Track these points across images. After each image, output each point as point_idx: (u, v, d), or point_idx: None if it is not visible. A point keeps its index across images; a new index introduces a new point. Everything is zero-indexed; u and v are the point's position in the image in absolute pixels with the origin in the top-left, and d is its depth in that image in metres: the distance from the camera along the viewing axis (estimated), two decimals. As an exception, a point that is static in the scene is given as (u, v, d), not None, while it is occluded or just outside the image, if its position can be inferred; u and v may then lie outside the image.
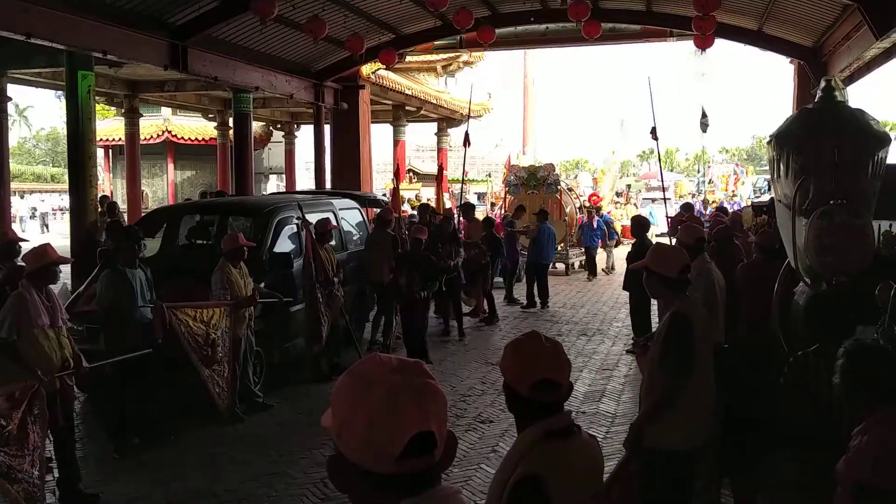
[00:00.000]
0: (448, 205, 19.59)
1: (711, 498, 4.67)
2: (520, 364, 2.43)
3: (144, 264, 7.20)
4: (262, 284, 8.10)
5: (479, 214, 17.94)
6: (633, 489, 3.80)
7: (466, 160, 16.47)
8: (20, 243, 7.51)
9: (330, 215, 10.05)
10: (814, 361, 3.81)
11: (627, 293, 10.53)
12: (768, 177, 9.50)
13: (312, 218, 9.21)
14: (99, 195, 12.47)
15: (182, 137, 24.76)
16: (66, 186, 12.68)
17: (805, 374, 3.82)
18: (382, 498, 1.36)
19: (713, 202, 27.82)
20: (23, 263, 5.80)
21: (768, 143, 5.96)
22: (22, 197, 45.32)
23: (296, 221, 9.26)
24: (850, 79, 13.53)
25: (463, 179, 18.12)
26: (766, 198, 17.07)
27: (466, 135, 16.52)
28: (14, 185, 24.32)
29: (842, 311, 4.49)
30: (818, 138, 5.27)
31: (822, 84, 5.72)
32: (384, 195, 18.81)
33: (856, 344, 3.21)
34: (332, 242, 9.59)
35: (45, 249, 5.67)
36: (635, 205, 31.23)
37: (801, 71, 15.41)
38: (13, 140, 50.44)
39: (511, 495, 2.28)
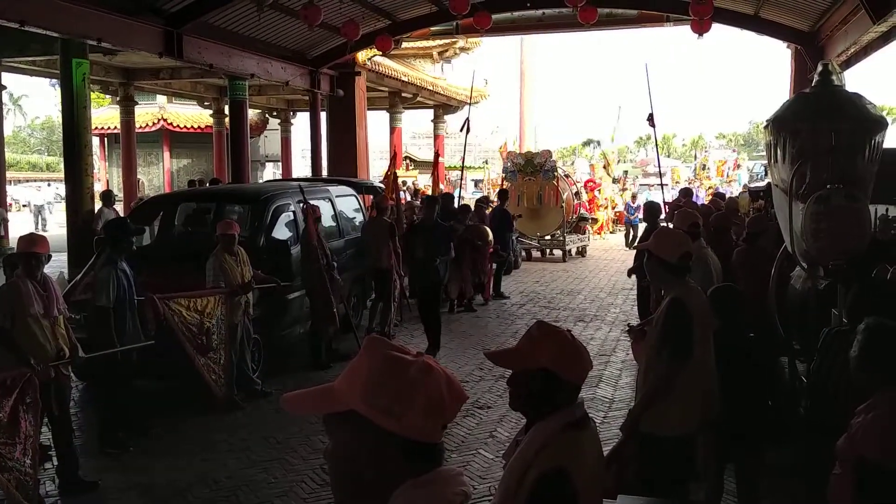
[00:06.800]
0: (444, 192, 19.58)
1: (714, 484, 4.69)
2: (576, 355, 2.41)
3: (138, 254, 7.15)
4: (259, 271, 8.11)
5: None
6: (628, 473, 3.81)
7: (464, 147, 16.43)
8: None
9: (326, 202, 10.04)
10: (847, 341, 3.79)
11: (634, 278, 10.50)
12: (765, 162, 9.52)
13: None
14: (102, 190, 12.45)
15: (178, 125, 24.69)
16: (61, 175, 12.64)
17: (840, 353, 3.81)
18: (400, 475, 1.39)
19: (709, 188, 27.91)
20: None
21: (765, 127, 5.95)
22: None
23: (297, 203, 9.22)
24: (848, 63, 13.50)
25: (463, 166, 18.09)
26: (762, 183, 17.07)
27: (467, 120, 16.36)
28: (9, 175, 24.28)
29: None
30: (815, 122, 5.25)
31: (819, 68, 5.70)
32: (380, 182, 18.79)
33: (876, 322, 3.19)
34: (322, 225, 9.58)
35: (33, 238, 5.70)
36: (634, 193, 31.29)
37: (798, 55, 15.37)
38: (8, 129, 50.21)
39: (537, 489, 2.26)
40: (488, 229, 12.85)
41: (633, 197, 26.19)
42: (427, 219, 10.11)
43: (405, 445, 1.39)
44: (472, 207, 14.06)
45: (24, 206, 38.05)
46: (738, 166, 35.63)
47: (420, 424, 1.39)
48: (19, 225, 21.92)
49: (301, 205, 9.01)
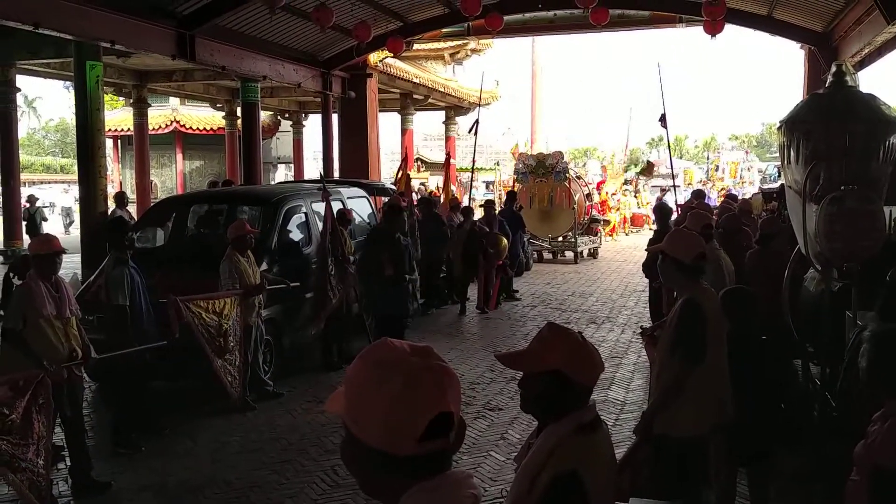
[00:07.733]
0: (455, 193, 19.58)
1: (726, 487, 4.67)
2: (587, 357, 2.38)
3: (150, 254, 7.18)
4: (274, 270, 8.13)
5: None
6: (642, 476, 3.80)
7: (474, 149, 16.42)
8: None
9: (338, 204, 10.06)
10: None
11: (647, 280, 10.46)
12: (778, 163, 9.48)
13: (320, 208, 9.20)
14: (115, 191, 12.50)
15: (190, 127, 24.81)
16: (75, 177, 12.73)
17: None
18: (396, 481, 1.38)
19: (721, 189, 27.79)
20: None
21: (778, 128, 5.92)
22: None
23: (318, 190, 9.26)
24: (861, 64, 13.41)
25: (473, 168, 18.08)
26: (775, 184, 16.99)
27: (476, 122, 16.36)
28: (23, 177, 24.47)
29: None
30: (829, 124, 5.22)
31: (833, 69, 5.66)
32: (392, 184, 18.81)
33: (883, 328, 3.15)
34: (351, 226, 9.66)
35: (48, 238, 5.74)
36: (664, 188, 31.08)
37: (812, 56, 15.28)
38: (22, 131, 50.37)
39: (549, 492, 2.25)
40: (505, 240, 12.74)
41: (663, 191, 26.00)
42: (395, 230, 8.90)
43: (379, 456, 1.37)
44: (483, 209, 14.06)
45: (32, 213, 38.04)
46: (750, 168, 35.53)
47: (379, 436, 1.36)
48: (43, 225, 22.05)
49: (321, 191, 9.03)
